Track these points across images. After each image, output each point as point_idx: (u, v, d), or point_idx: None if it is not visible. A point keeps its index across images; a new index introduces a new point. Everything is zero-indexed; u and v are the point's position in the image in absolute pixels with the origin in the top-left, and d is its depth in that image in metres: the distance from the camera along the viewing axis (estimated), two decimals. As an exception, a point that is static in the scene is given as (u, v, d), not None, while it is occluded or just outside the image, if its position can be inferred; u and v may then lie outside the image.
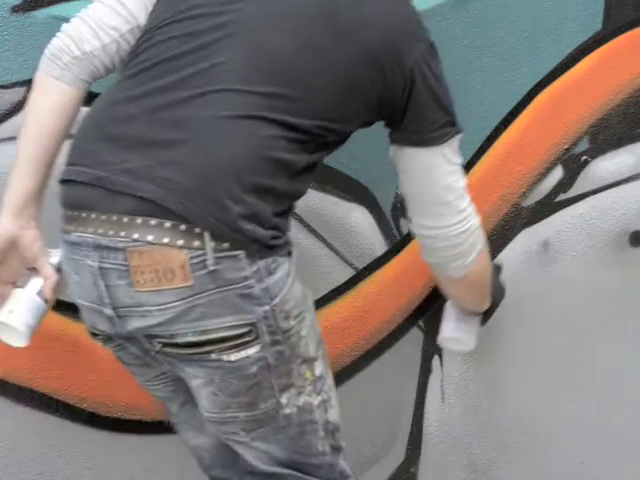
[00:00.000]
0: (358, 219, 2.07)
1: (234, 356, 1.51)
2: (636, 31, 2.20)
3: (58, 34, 1.63)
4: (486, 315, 2.03)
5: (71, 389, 1.89)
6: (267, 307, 1.51)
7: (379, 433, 2.19)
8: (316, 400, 1.61)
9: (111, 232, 1.48)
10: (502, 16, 2.09)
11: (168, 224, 1.46)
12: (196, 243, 1.46)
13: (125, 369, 1.72)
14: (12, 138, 1.74)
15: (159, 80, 1.53)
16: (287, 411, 1.58)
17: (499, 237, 2.18)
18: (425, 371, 2.20)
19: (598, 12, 2.16)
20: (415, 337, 2.17)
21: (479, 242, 1.79)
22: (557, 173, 2.22)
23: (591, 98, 2.16)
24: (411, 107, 1.62)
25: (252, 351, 1.52)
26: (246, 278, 1.49)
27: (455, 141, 1.68)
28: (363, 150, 2.01)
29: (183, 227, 1.46)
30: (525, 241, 2.21)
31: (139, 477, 1.97)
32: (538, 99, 2.16)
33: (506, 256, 2.19)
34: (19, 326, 1.63)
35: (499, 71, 2.11)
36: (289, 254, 1.56)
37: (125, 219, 1.47)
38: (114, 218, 1.48)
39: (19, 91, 1.75)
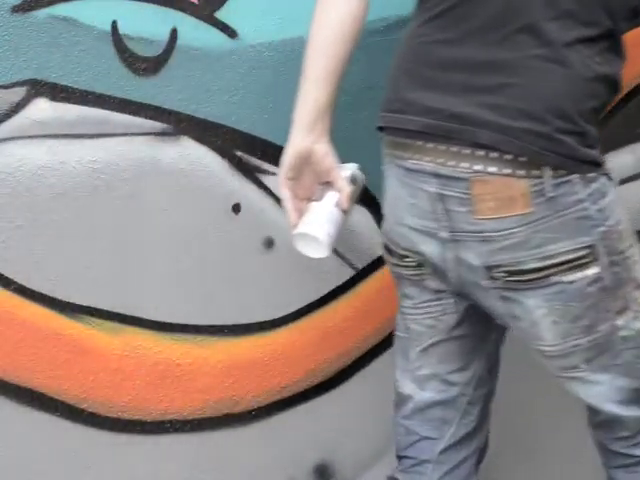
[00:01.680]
0: (358, 219, 2.06)
1: (572, 276, 1.58)
2: (636, 31, 2.19)
3: None
4: None
5: (71, 389, 1.89)
6: (603, 228, 1.58)
7: (379, 433, 2.19)
8: None
9: (451, 163, 1.57)
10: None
11: (508, 157, 1.54)
12: (535, 172, 1.54)
13: (397, 284, 1.79)
14: (12, 138, 1.75)
15: (467, 22, 1.58)
16: (624, 333, 1.64)
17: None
18: (425, 371, 2.19)
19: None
20: (415, 337, 2.16)
21: None
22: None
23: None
24: None
25: (590, 272, 1.58)
26: (581, 201, 1.56)
27: None
28: (363, 150, 2.01)
29: (523, 159, 1.53)
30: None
31: (139, 477, 1.97)
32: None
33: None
34: (321, 236, 1.65)
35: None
36: (610, 178, 1.63)
37: (466, 151, 1.55)
38: (454, 149, 1.56)
39: (19, 91, 1.75)
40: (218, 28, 1.80)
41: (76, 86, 1.78)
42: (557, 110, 1.53)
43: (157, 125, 1.85)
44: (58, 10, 1.75)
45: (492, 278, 1.62)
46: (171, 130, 1.84)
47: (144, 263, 1.89)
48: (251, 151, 1.92)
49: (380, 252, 2.09)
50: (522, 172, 1.54)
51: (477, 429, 1.87)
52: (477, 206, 1.56)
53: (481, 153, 1.54)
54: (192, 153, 1.88)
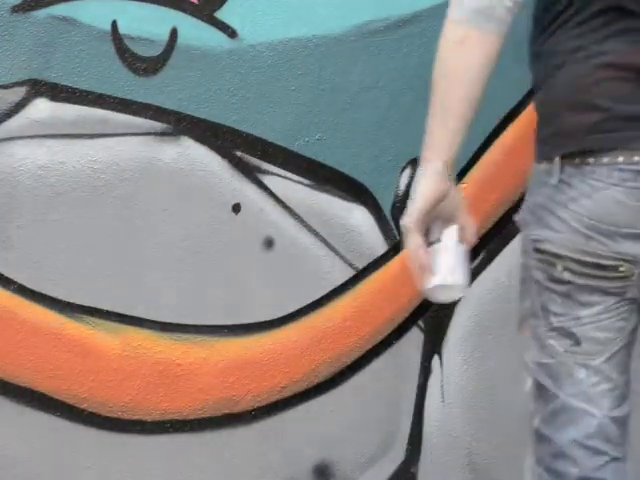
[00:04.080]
0: (358, 219, 2.07)
1: None
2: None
3: None
4: None
5: (71, 389, 1.89)
6: None
7: (379, 433, 2.19)
8: None
9: None
10: (502, 16, 2.09)
11: None
12: None
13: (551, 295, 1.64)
14: (12, 138, 1.75)
15: None
16: None
17: (499, 237, 2.18)
18: (425, 371, 2.20)
19: (598, 12, 2.16)
20: (415, 337, 2.16)
21: None
22: (557, 173, 2.21)
23: (591, 98, 2.16)
24: None
25: None
26: None
27: None
28: (363, 150, 2.02)
29: None
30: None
31: (139, 477, 1.97)
32: (538, 99, 2.16)
33: (506, 256, 2.19)
34: (464, 281, 1.54)
35: (499, 71, 2.11)
36: None
37: None
38: None
39: (19, 91, 1.75)
40: (218, 28, 1.81)
41: (76, 86, 1.78)
42: None
43: (157, 125, 1.85)
44: (58, 10, 1.75)
45: None
46: (171, 130, 1.84)
47: (144, 263, 1.89)
48: (251, 151, 1.92)
49: (380, 252, 2.10)
50: None
51: None
52: None
53: None
54: (192, 153, 1.88)
